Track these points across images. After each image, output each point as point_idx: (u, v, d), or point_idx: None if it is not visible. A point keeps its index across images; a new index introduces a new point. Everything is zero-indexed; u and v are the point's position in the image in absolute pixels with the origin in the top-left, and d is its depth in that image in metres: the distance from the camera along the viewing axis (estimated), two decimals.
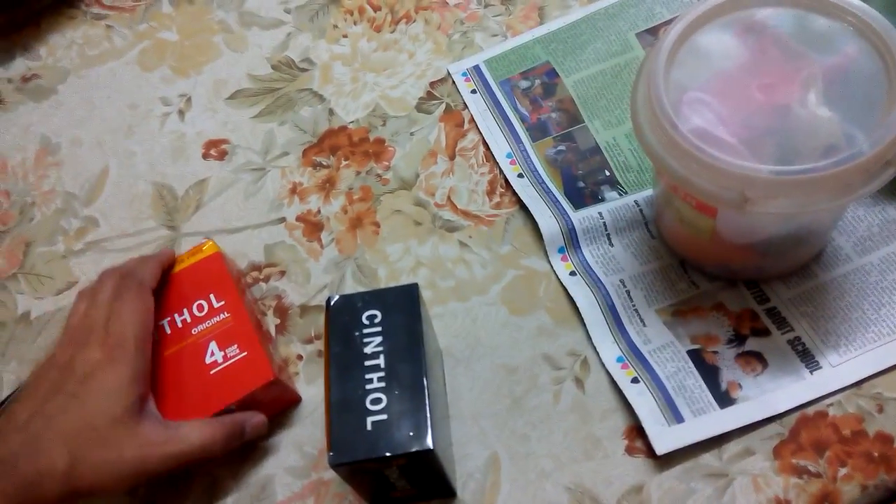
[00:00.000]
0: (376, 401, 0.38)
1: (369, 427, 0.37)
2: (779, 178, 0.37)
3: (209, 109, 0.64)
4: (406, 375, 0.39)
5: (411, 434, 0.37)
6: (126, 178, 0.62)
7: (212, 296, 0.49)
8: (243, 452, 0.48)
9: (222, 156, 0.62)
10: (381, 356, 0.40)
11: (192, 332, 0.48)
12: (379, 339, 0.40)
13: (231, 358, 0.46)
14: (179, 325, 0.48)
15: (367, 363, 0.39)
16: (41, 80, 0.68)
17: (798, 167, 0.37)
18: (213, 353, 0.47)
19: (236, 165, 0.61)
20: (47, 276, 0.58)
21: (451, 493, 0.45)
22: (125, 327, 0.43)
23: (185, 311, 0.49)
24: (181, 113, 0.65)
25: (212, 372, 0.46)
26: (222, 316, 0.48)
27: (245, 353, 0.46)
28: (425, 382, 0.39)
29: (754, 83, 0.41)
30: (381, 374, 0.39)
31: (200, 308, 0.48)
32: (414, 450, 0.37)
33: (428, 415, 0.38)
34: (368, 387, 0.39)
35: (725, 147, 0.39)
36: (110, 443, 0.40)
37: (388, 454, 0.37)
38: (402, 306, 0.41)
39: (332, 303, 0.42)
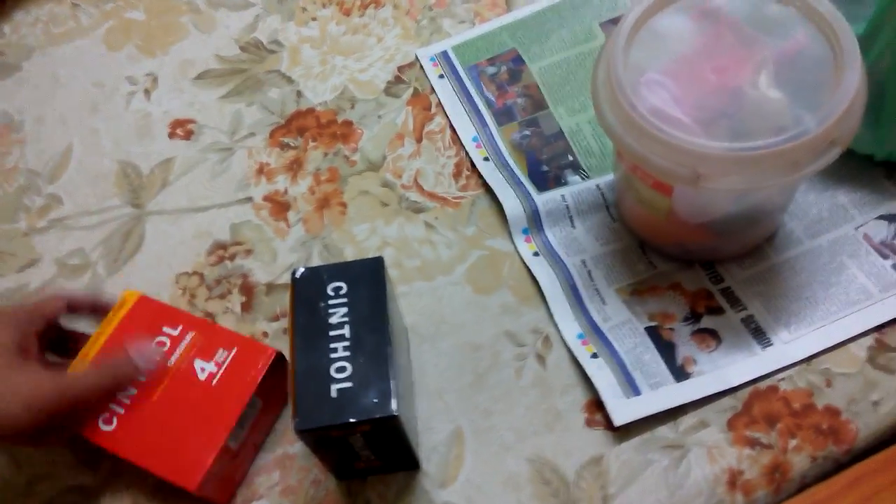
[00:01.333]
0: (341, 369, 0.39)
1: (334, 394, 0.38)
2: (730, 154, 0.38)
3: (176, 89, 0.64)
4: (371, 345, 0.39)
5: (376, 401, 0.38)
6: (90, 156, 0.62)
7: (165, 328, 0.47)
8: None
9: (188, 135, 0.62)
10: (346, 326, 0.40)
11: (169, 363, 0.46)
12: (344, 310, 0.41)
13: (224, 362, 0.46)
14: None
15: (332, 333, 0.40)
16: (5, 57, 0.68)
17: (748, 144, 0.38)
18: (203, 370, 0.46)
19: (203, 145, 0.61)
20: (9, 253, 0.58)
21: (414, 464, 0.45)
22: None
23: None
24: (147, 92, 0.64)
25: (213, 383, 0.45)
26: (188, 336, 0.47)
27: (235, 349, 0.46)
28: (389, 351, 0.39)
29: (709, 66, 0.42)
30: (346, 343, 0.40)
31: (162, 344, 0.47)
32: (378, 416, 0.37)
33: (392, 382, 0.38)
34: (333, 356, 0.39)
35: (680, 126, 0.40)
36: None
37: (352, 420, 0.37)
38: (368, 279, 0.42)
39: (297, 275, 0.42)
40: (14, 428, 0.40)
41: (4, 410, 0.40)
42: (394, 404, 0.38)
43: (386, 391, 0.38)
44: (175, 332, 0.47)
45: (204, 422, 0.44)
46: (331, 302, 0.41)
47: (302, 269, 0.43)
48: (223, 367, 0.46)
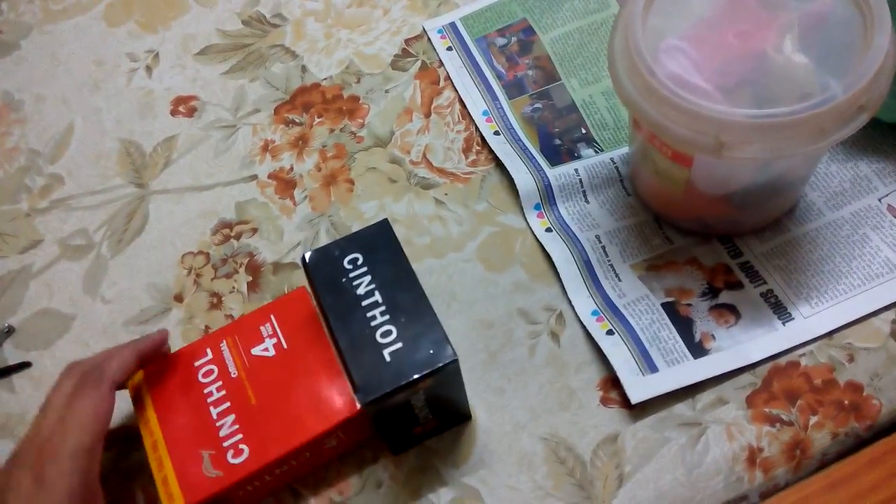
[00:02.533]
0: (386, 333, 0.38)
1: (388, 359, 0.38)
2: (754, 121, 0.37)
3: (178, 65, 0.63)
4: (407, 302, 0.39)
5: (432, 352, 0.38)
6: (92, 134, 0.60)
7: (196, 363, 0.45)
8: None
9: (191, 112, 0.60)
10: (377, 292, 0.40)
11: (234, 375, 0.44)
12: (368, 278, 0.40)
13: (275, 329, 0.45)
14: (217, 393, 0.44)
15: (365, 303, 0.39)
16: (3, 36, 0.66)
17: (773, 111, 0.37)
18: (266, 349, 0.44)
19: (206, 122, 0.60)
20: (11, 234, 0.57)
21: (467, 415, 0.46)
22: (66, 440, 0.39)
23: (203, 390, 0.44)
24: (149, 69, 0.63)
25: (286, 346, 0.44)
26: (224, 346, 0.45)
27: (272, 315, 0.45)
28: (427, 302, 0.39)
29: (731, 30, 0.41)
30: (382, 308, 0.39)
31: (209, 373, 0.44)
32: (440, 364, 0.37)
33: (443, 328, 0.38)
34: (374, 323, 0.39)
35: (702, 93, 0.39)
36: None
37: (415, 376, 0.37)
38: (380, 242, 0.41)
39: (307, 259, 0.42)
40: None
41: None
42: (450, 348, 0.38)
43: (438, 339, 0.38)
44: (210, 357, 0.45)
45: (314, 371, 0.43)
46: (352, 275, 0.40)
47: (310, 252, 0.42)
48: (279, 332, 0.45)
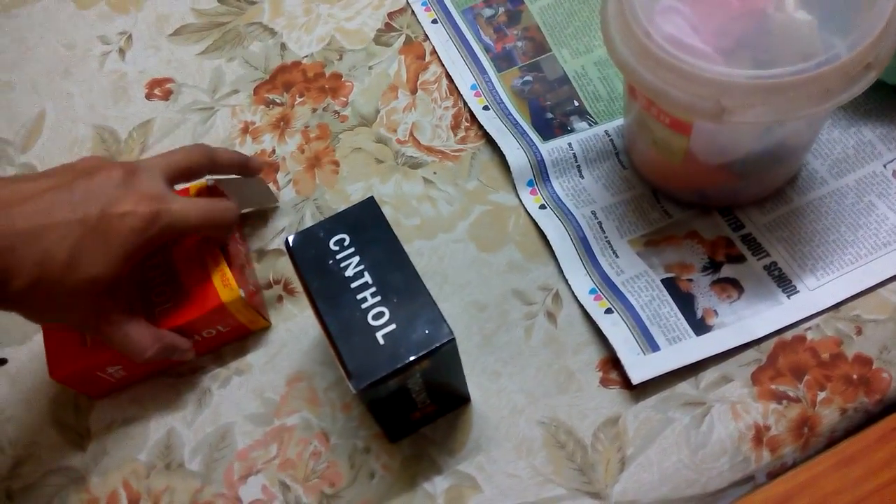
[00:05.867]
0: (378, 315, 0.37)
1: (382, 342, 0.36)
2: (756, 82, 0.35)
3: (151, 47, 0.60)
4: (399, 281, 0.37)
5: (427, 332, 0.36)
6: (64, 121, 0.58)
7: None
8: (200, 401, 0.46)
9: (167, 95, 0.58)
10: (366, 273, 0.38)
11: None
12: (356, 258, 0.38)
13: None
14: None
15: (354, 284, 0.38)
16: None
17: (776, 71, 0.35)
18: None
19: (183, 105, 0.57)
20: None
21: (466, 398, 0.44)
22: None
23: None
24: (121, 51, 0.60)
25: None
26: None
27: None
28: (420, 281, 0.37)
29: None
30: (373, 289, 0.37)
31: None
32: (436, 344, 0.36)
33: (437, 307, 0.36)
34: (364, 306, 0.37)
35: (700, 55, 0.37)
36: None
37: (411, 358, 0.35)
38: (368, 221, 0.39)
39: (291, 243, 0.40)
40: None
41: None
42: (447, 327, 0.36)
43: (434, 318, 0.36)
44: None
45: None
46: (339, 256, 0.38)
47: (293, 236, 0.40)
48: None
